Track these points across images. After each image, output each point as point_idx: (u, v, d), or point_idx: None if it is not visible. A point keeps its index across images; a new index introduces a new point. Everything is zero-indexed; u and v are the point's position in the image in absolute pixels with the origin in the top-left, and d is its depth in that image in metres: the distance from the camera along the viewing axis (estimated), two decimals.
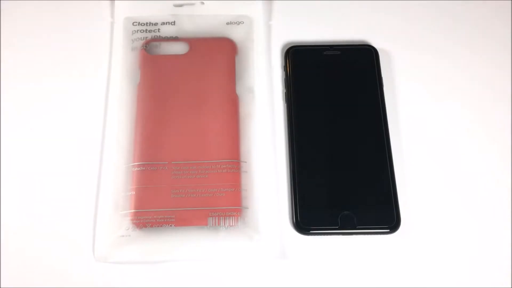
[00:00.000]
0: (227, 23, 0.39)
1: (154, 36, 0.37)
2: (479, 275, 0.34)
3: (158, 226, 0.32)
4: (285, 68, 0.40)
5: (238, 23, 0.39)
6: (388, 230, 0.34)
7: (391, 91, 0.40)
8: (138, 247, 0.32)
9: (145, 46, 0.37)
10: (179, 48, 0.37)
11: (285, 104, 0.39)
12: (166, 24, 0.38)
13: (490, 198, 0.37)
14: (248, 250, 0.32)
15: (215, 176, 0.33)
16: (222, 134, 0.35)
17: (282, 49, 0.42)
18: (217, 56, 0.37)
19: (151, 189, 0.33)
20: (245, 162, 0.34)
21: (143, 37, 0.37)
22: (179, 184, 0.33)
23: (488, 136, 0.39)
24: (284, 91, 0.40)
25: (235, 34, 0.38)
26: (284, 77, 0.40)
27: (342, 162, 0.37)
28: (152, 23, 0.38)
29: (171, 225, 0.32)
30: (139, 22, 0.38)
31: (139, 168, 0.34)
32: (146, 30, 0.38)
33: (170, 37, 0.37)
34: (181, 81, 0.36)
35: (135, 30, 0.38)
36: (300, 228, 0.35)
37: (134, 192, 0.33)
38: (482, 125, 0.39)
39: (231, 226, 0.32)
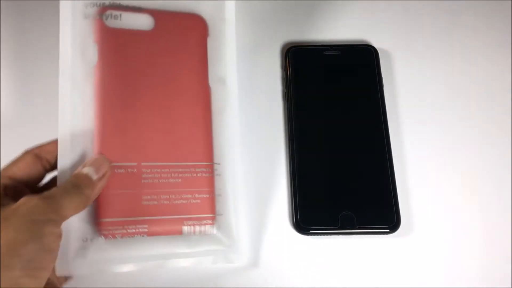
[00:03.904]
0: None
1: (112, 3, 0.30)
2: (479, 275, 0.34)
3: (128, 237, 0.29)
4: (285, 68, 0.40)
5: None
6: (388, 230, 0.34)
7: (391, 91, 0.40)
8: (105, 257, 0.28)
9: (102, 15, 0.30)
10: (142, 21, 0.31)
11: (285, 104, 0.39)
12: None
13: (490, 198, 0.37)
14: (221, 258, 0.31)
15: (189, 180, 0.30)
16: (195, 132, 0.31)
17: (282, 49, 0.42)
18: (187, 36, 0.32)
19: (120, 194, 0.29)
20: (219, 164, 0.32)
21: (99, 3, 0.30)
22: (151, 190, 0.29)
23: (488, 135, 0.39)
24: (284, 90, 0.40)
25: (205, 9, 0.33)
26: (284, 77, 0.40)
27: (342, 162, 0.37)
28: None
29: (143, 236, 0.29)
30: None
31: None
32: None
33: (132, 6, 0.31)
34: (147, 64, 0.30)
35: None
36: (300, 228, 0.35)
37: (100, 198, 0.28)
38: (483, 125, 0.39)
39: (205, 233, 0.30)
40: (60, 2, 0.29)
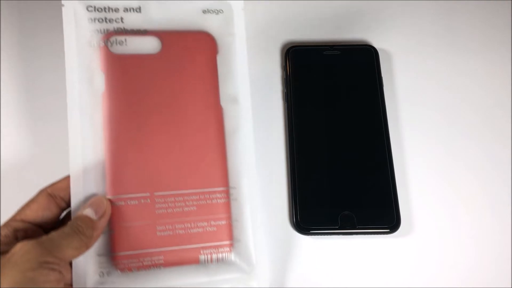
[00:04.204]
0: (204, 11, 0.31)
1: (117, 28, 0.30)
2: (479, 275, 0.34)
3: (145, 269, 0.28)
4: (285, 68, 0.40)
5: (217, 12, 0.32)
6: (388, 230, 0.34)
7: (391, 91, 0.40)
8: None
9: (107, 42, 0.30)
10: (148, 45, 0.30)
11: (285, 104, 0.39)
12: (130, 11, 0.30)
13: (490, 197, 0.37)
14: (242, 285, 0.30)
15: (204, 208, 0.29)
16: (208, 157, 0.30)
17: (282, 49, 0.42)
18: (196, 56, 0.31)
19: (134, 227, 0.28)
20: (234, 188, 0.30)
21: (103, 29, 0.29)
22: (165, 220, 0.29)
23: (488, 135, 0.39)
24: (284, 90, 0.40)
25: (213, 26, 0.31)
26: (284, 77, 0.40)
27: (342, 162, 0.37)
28: (112, 9, 0.30)
29: (159, 267, 0.29)
30: (95, 7, 0.30)
31: (118, 203, 0.29)
32: (105, 18, 0.30)
33: (137, 30, 0.30)
34: (156, 90, 0.30)
35: (91, 19, 0.29)
36: (300, 228, 0.35)
37: (113, 231, 0.28)
38: (483, 125, 0.39)
39: (223, 261, 0.30)
40: (64, 30, 0.29)
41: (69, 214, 0.28)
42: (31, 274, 0.22)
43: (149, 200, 0.29)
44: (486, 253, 0.35)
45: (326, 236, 0.35)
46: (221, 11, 0.32)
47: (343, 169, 0.36)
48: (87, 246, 0.26)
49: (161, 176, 0.29)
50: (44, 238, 0.24)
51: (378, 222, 0.35)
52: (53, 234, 0.25)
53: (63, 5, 0.29)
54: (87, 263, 0.28)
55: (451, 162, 0.38)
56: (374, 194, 0.35)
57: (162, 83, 0.30)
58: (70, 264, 0.27)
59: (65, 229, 0.25)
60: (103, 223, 0.27)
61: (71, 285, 0.26)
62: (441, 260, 0.35)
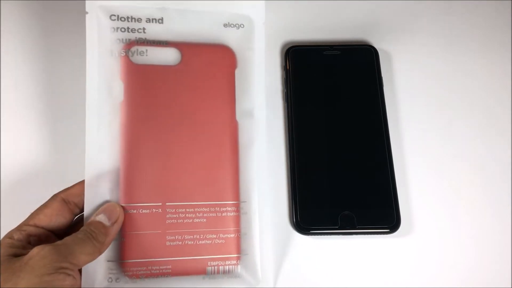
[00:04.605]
0: (225, 25, 0.32)
1: (138, 38, 0.30)
2: (479, 275, 0.34)
3: (153, 278, 0.29)
4: (285, 68, 0.40)
5: (238, 26, 0.32)
6: (388, 230, 0.34)
7: (391, 91, 0.40)
8: None
9: (128, 52, 0.30)
10: (169, 56, 0.31)
11: (285, 104, 0.39)
12: (152, 21, 0.30)
13: (490, 197, 0.37)
14: None
15: (214, 220, 0.30)
16: (221, 171, 0.30)
17: (282, 49, 0.42)
18: (215, 69, 0.31)
19: (144, 235, 0.29)
20: (245, 202, 0.31)
21: (125, 38, 0.30)
22: (175, 230, 0.29)
23: (489, 136, 0.39)
24: (284, 90, 0.40)
25: (233, 39, 0.32)
26: (284, 77, 0.40)
27: (342, 162, 0.37)
28: (135, 18, 0.30)
29: (167, 276, 0.29)
30: (118, 16, 0.30)
31: (130, 211, 0.29)
32: (127, 28, 0.30)
33: (158, 41, 0.30)
34: (174, 101, 0.30)
35: (114, 28, 0.30)
36: (300, 228, 0.35)
37: (124, 239, 0.29)
38: (483, 125, 0.39)
39: (230, 273, 0.30)
40: (87, 39, 0.29)
41: (81, 219, 0.29)
42: (48, 278, 0.23)
43: (160, 210, 0.29)
44: (486, 253, 0.35)
45: (326, 236, 0.35)
46: (242, 26, 0.32)
47: (343, 169, 0.36)
48: (99, 252, 0.26)
49: (174, 187, 0.30)
50: (60, 243, 0.25)
51: (378, 222, 0.35)
52: (67, 240, 0.25)
53: (87, 13, 0.29)
54: (96, 268, 0.28)
55: (451, 162, 0.38)
56: (374, 194, 0.35)
57: (180, 95, 0.30)
58: (80, 269, 0.27)
59: (79, 234, 0.26)
60: (115, 229, 0.28)
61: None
62: (441, 260, 0.35)
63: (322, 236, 0.35)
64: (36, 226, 0.27)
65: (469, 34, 0.43)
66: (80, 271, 0.27)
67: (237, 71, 0.32)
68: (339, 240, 0.35)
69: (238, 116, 0.32)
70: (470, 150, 0.38)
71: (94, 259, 0.26)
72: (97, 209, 0.28)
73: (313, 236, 0.35)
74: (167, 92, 0.30)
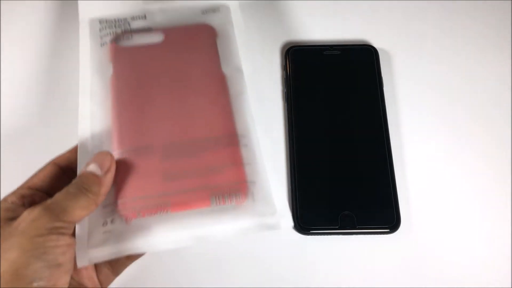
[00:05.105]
0: (203, 12, 0.35)
1: (125, 29, 0.34)
2: (479, 275, 0.34)
3: (151, 215, 0.27)
4: (285, 68, 0.40)
5: (215, 10, 0.35)
6: (388, 230, 0.34)
7: (391, 91, 0.40)
8: (129, 238, 0.27)
9: (116, 40, 0.33)
10: (153, 38, 0.33)
11: (285, 104, 0.39)
12: (136, 18, 0.34)
13: (490, 197, 0.37)
14: (261, 226, 0.28)
15: (212, 153, 0.29)
16: (212, 109, 0.30)
17: (282, 49, 0.42)
18: (196, 40, 0.33)
19: (137, 174, 0.28)
20: (243, 136, 0.30)
21: (112, 32, 0.33)
22: (171, 165, 0.28)
23: (489, 135, 0.39)
24: (284, 90, 0.40)
25: (213, 21, 0.35)
26: (284, 77, 0.40)
27: (342, 162, 0.37)
28: (121, 19, 0.34)
29: (167, 211, 0.27)
30: (106, 20, 0.34)
31: (121, 155, 0.28)
32: (115, 25, 0.34)
33: (142, 28, 0.34)
34: (159, 68, 0.32)
35: (102, 27, 0.34)
36: (300, 228, 0.35)
37: (118, 180, 0.28)
38: (483, 125, 0.39)
39: (238, 204, 0.28)
40: (80, 33, 0.34)
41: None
42: (40, 239, 0.22)
43: (154, 151, 0.29)
44: (486, 253, 0.35)
45: (326, 236, 0.35)
46: (218, 10, 0.35)
47: (343, 169, 0.36)
48: (95, 204, 0.25)
49: (167, 131, 0.29)
50: (49, 201, 0.23)
51: (378, 222, 0.35)
52: (58, 196, 0.24)
53: (80, 23, 0.34)
54: (89, 216, 0.26)
55: (451, 162, 0.38)
56: (374, 194, 0.35)
57: (167, 63, 0.32)
58: None
59: (70, 188, 0.25)
60: (109, 178, 0.26)
61: None
62: (441, 260, 0.35)
63: (322, 236, 0.35)
64: (29, 188, 0.26)
65: (469, 33, 0.43)
66: None
67: (218, 40, 0.34)
68: (339, 240, 0.35)
69: (225, 70, 0.33)
70: (470, 150, 0.38)
71: (90, 212, 0.25)
72: None
73: (313, 236, 0.35)
74: (153, 62, 0.32)
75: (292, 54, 0.40)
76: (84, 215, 0.24)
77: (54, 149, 0.30)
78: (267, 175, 0.29)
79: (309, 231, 0.35)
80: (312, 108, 0.38)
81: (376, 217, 0.35)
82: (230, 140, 0.29)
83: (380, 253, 0.35)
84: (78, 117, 0.30)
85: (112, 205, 0.27)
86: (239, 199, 0.28)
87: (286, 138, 0.38)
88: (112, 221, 0.27)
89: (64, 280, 0.22)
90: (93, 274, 0.28)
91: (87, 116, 0.30)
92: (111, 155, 0.27)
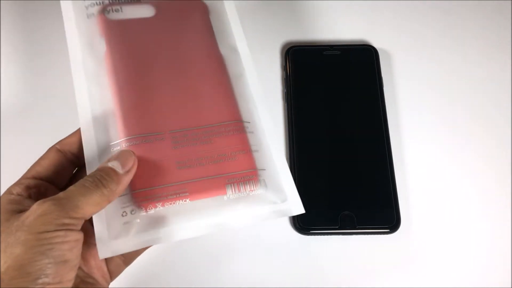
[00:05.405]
0: None
1: (112, 1, 0.32)
2: (479, 275, 0.34)
3: (170, 204, 0.27)
4: (285, 68, 0.40)
5: None
6: (388, 230, 0.34)
7: (391, 91, 0.40)
8: (149, 229, 0.27)
9: (104, 11, 0.31)
10: (143, 11, 0.32)
11: (285, 104, 0.39)
12: None
13: (490, 197, 0.37)
14: (275, 213, 0.28)
15: (222, 140, 0.29)
16: (216, 95, 0.30)
17: (282, 49, 0.42)
18: (189, 16, 0.32)
19: (151, 163, 0.27)
20: (249, 122, 0.30)
21: (99, 2, 0.32)
22: (183, 155, 0.28)
23: (488, 135, 0.39)
24: (284, 90, 0.40)
25: None
26: (284, 77, 0.40)
27: (342, 162, 0.37)
28: None
29: (185, 200, 0.27)
30: None
31: (131, 143, 0.28)
32: None
33: None
34: (156, 45, 0.31)
35: None
36: (300, 228, 0.35)
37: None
38: (483, 125, 0.39)
39: (252, 191, 0.28)
40: (62, 6, 0.31)
41: (82, 168, 0.27)
42: (47, 235, 0.21)
43: (164, 138, 0.28)
44: (486, 253, 0.35)
45: (326, 236, 0.35)
46: None
47: (343, 169, 0.36)
48: (108, 201, 0.24)
49: (173, 116, 0.29)
50: (62, 195, 0.23)
51: (378, 222, 0.35)
52: (72, 190, 0.23)
53: None
54: (108, 207, 0.26)
55: (451, 162, 0.38)
56: (374, 194, 0.35)
57: (160, 38, 0.31)
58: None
59: (86, 182, 0.24)
60: (128, 178, 0.26)
61: (91, 235, 0.25)
62: (441, 260, 0.35)
63: (322, 236, 0.35)
64: (34, 178, 0.26)
65: (469, 34, 0.43)
66: (90, 221, 0.25)
67: (211, 16, 0.33)
68: (339, 240, 0.35)
69: (222, 50, 0.32)
70: (470, 149, 0.38)
71: (102, 209, 0.24)
72: (98, 153, 0.27)
73: (313, 236, 0.35)
74: (147, 37, 0.31)
75: (292, 54, 0.40)
76: (94, 212, 0.24)
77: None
78: (274, 162, 0.29)
79: (309, 231, 0.35)
80: (312, 108, 0.38)
81: (376, 217, 0.35)
82: (237, 127, 0.29)
83: (380, 253, 0.35)
84: (76, 98, 0.28)
85: (129, 195, 0.27)
86: (253, 186, 0.28)
87: (286, 138, 0.38)
88: (131, 212, 0.26)
89: (70, 276, 0.22)
90: (102, 264, 0.27)
91: (85, 97, 0.29)
92: (134, 156, 0.27)
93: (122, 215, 0.26)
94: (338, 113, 0.38)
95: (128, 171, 0.26)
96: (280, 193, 0.29)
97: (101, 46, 0.30)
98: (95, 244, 0.25)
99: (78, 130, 0.28)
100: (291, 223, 0.35)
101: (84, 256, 0.25)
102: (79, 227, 0.23)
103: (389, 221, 0.35)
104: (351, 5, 0.44)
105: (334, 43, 0.41)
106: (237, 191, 0.28)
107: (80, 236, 0.23)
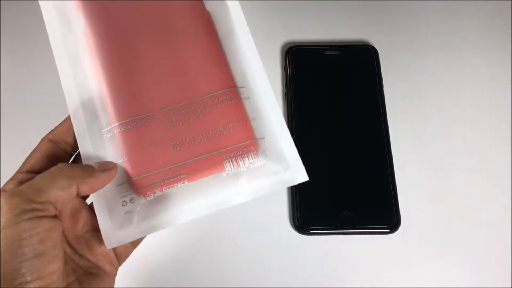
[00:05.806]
0: None
1: None
2: (479, 275, 0.34)
3: (168, 188, 0.26)
4: (285, 68, 0.40)
5: None
6: (388, 230, 0.34)
7: (391, 91, 0.40)
8: (151, 215, 0.26)
9: None
10: None
11: (285, 104, 0.39)
12: None
13: (490, 198, 0.37)
14: (277, 184, 0.27)
15: (216, 112, 0.27)
16: (206, 61, 0.28)
17: (282, 49, 0.42)
18: None
19: (146, 148, 0.27)
20: (244, 87, 0.28)
21: None
22: (178, 134, 0.27)
23: (488, 136, 0.39)
24: (284, 90, 0.40)
25: None
26: (284, 77, 0.40)
27: (342, 162, 0.37)
28: None
29: (183, 182, 0.26)
30: None
31: (123, 128, 0.27)
32: None
33: None
34: (136, 12, 0.29)
35: None
36: (300, 228, 0.35)
37: (126, 158, 0.27)
38: (483, 125, 0.39)
39: (251, 164, 0.27)
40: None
41: (78, 157, 0.27)
42: (10, 231, 0.20)
43: (155, 119, 0.27)
44: (486, 253, 0.35)
45: (326, 236, 0.35)
46: None
47: (343, 169, 0.36)
48: (77, 187, 0.23)
49: (162, 92, 0.27)
50: (25, 184, 0.21)
51: (378, 222, 0.35)
52: (36, 177, 0.22)
53: None
54: (107, 197, 0.26)
55: (451, 162, 0.38)
56: (374, 194, 0.35)
57: (142, 8, 0.29)
58: (91, 206, 0.25)
59: (53, 169, 0.23)
60: (104, 176, 0.25)
61: (94, 223, 0.25)
62: (441, 260, 0.35)
63: (322, 236, 0.35)
64: (28, 172, 0.25)
65: (469, 34, 0.43)
66: (92, 209, 0.25)
67: None
68: (339, 240, 0.35)
69: (207, 6, 0.30)
70: (471, 150, 0.38)
71: (72, 194, 0.23)
72: (91, 141, 0.27)
73: (313, 236, 0.35)
74: (126, 6, 0.29)
75: (292, 54, 0.40)
76: (64, 196, 0.22)
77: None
78: (273, 127, 0.28)
79: (309, 231, 0.35)
80: (312, 108, 0.38)
81: (376, 217, 0.35)
82: (231, 95, 0.28)
83: (380, 253, 0.35)
84: (61, 82, 0.27)
85: (126, 183, 0.26)
86: (252, 159, 0.27)
87: None
88: (131, 201, 0.26)
89: (51, 268, 0.20)
90: (109, 249, 0.27)
91: (71, 82, 0.28)
92: (114, 163, 0.26)
93: (123, 205, 0.26)
94: (338, 113, 0.38)
95: (103, 170, 0.25)
96: (282, 161, 0.28)
97: (79, 20, 0.29)
98: (99, 231, 0.25)
99: (68, 118, 0.27)
100: (291, 223, 0.35)
101: (89, 244, 0.25)
102: (49, 213, 0.21)
103: (389, 221, 0.35)
104: (351, 5, 0.44)
105: (334, 43, 0.41)
106: (236, 166, 0.27)
107: (52, 224, 0.21)
